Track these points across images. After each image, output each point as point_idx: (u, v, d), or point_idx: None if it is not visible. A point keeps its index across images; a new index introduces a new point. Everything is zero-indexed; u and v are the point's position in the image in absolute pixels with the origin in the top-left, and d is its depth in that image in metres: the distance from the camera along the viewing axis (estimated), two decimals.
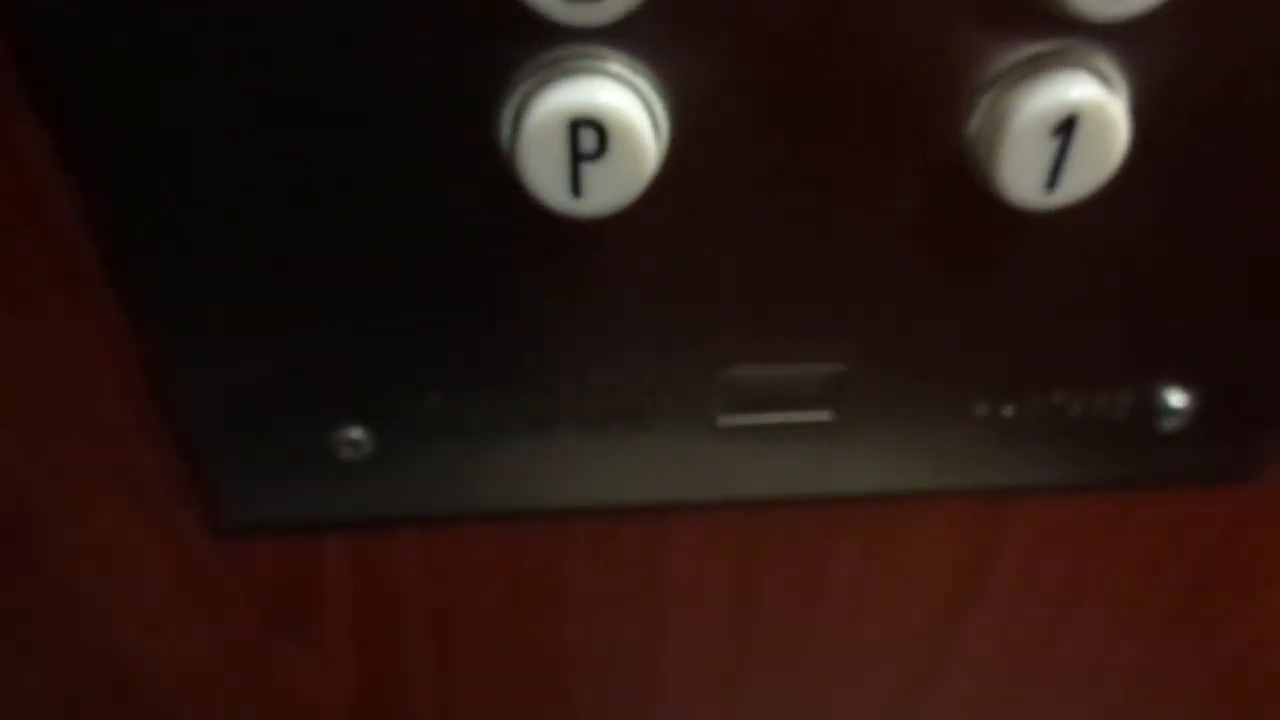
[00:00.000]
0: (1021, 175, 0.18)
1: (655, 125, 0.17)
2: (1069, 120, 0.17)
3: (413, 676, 0.31)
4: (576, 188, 0.17)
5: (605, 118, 0.17)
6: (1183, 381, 0.23)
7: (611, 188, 0.18)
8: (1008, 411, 0.23)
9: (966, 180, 0.19)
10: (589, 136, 0.17)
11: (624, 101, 0.17)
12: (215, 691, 0.31)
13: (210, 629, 0.29)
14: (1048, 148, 0.18)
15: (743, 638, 0.30)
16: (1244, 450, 0.25)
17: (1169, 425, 0.24)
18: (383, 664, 0.30)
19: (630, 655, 0.30)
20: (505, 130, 0.18)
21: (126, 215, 0.19)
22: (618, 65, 0.17)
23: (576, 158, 0.17)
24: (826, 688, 0.32)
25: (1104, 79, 0.18)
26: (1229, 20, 0.17)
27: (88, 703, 0.31)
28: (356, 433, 0.23)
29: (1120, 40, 0.17)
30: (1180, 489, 0.26)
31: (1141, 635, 0.31)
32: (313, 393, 0.22)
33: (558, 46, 0.17)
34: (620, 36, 0.17)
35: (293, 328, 0.21)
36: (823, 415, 0.23)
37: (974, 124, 0.18)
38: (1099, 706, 0.33)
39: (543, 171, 0.17)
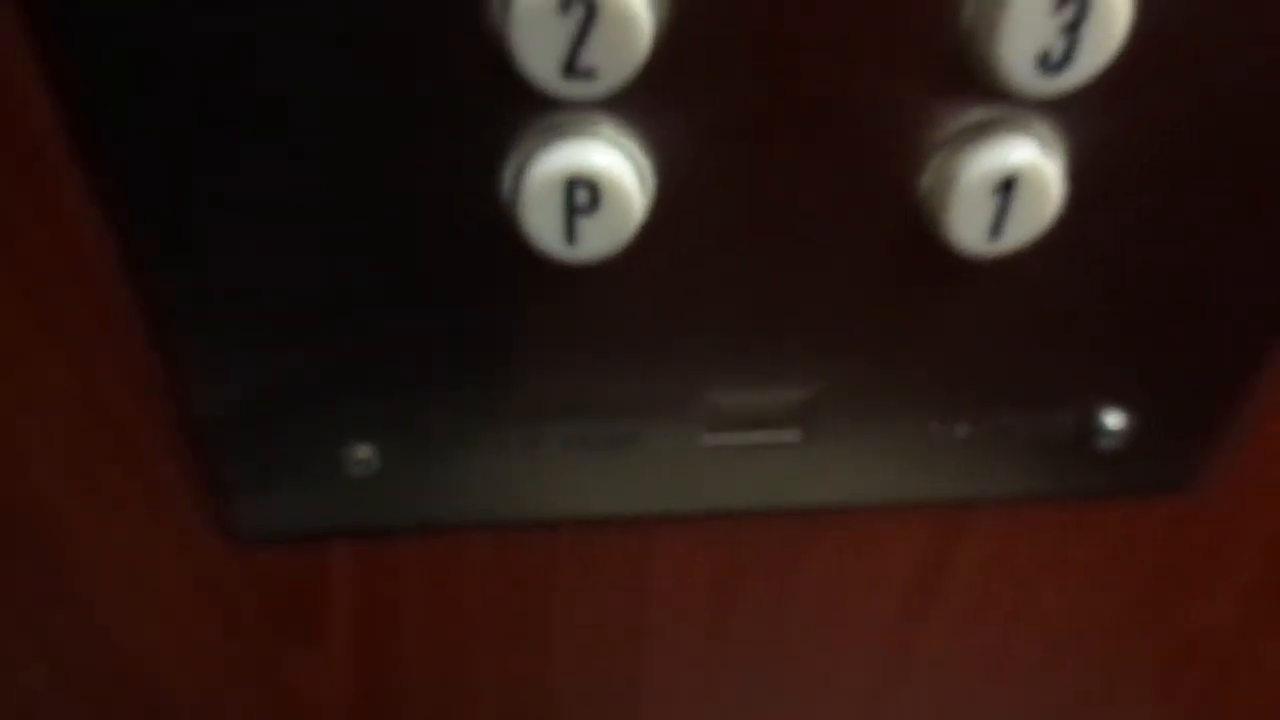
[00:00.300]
0: (968, 227, 0.20)
1: (642, 182, 0.19)
2: (1009, 180, 0.20)
3: (411, 676, 0.33)
4: (571, 237, 0.20)
5: (598, 177, 0.19)
6: (1119, 404, 0.26)
7: (602, 237, 0.20)
8: (961, 432, 0.25)
9: (921, 230, 0.21)
10: (583, 193, 0.19)
11: (614, 162, 0.19)
12: (220, 689, 0.33)
13: (218, 629, 0.31)
14: (991, 204, 0.20)
15: (721, 636, 0.32)
16: (1178, 465, 0.27)
17: (1108, 444, 0.26)
18: (382, 664, 0.32)
19: (616, 653, 0.32)
20: (507, 185, 0.20)
21: (146, 236, 0.21)
22: (610, 129, 0.19)
23: (572, 211, 0.19)
24: (800, 685, 0.34)
25: (1042, 143, 0.20)
26: (1152, 94, 0.20)
27: (95, 701, 0.32)
28: (365, 450, 0.25)
29: (1057, 110, 0.20)
30: (1122, 500, 0.29)
31: (1092, 635, 0.33)
32: (326, 412, 0.24)
33: (555, 114, 0.19)
34: (612, 106, 0.19)
35: (306, 351, 0.23)
36: (793, 436, 0.25)
37: (926, 181, 0.20)
38: (1053, 703, 0.36)
39: (541, 224, 0.19)
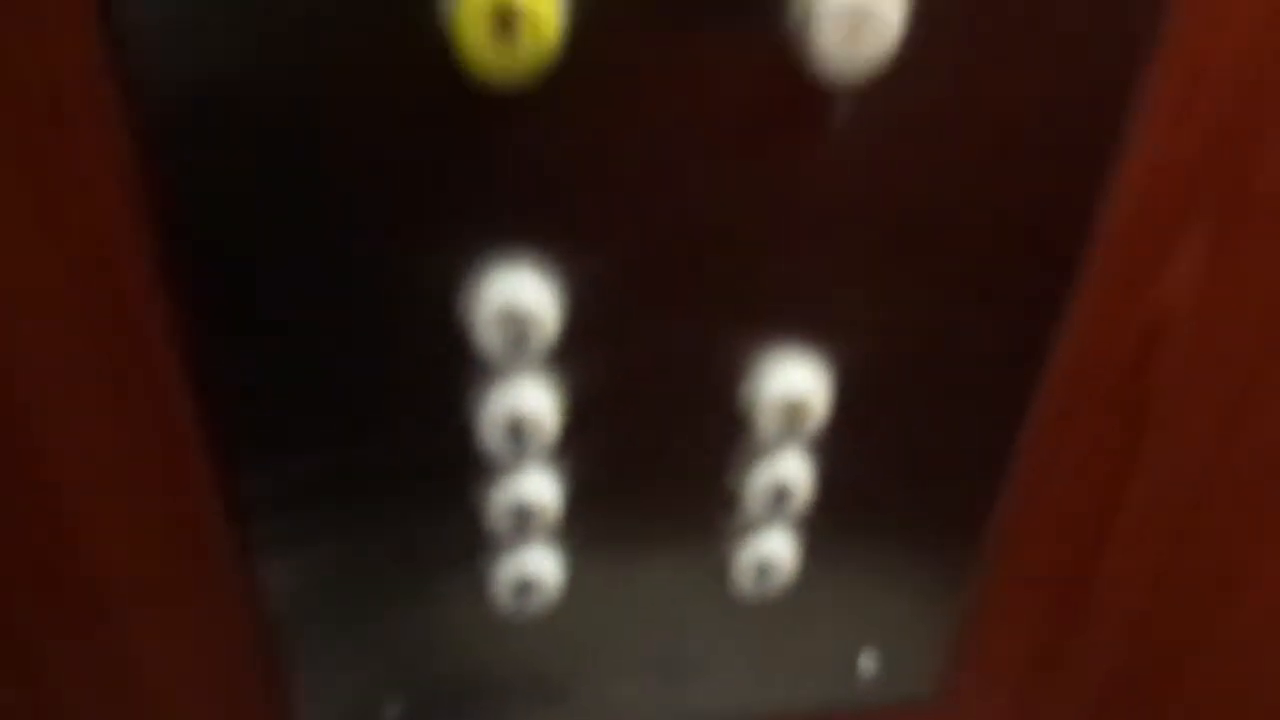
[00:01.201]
0: (746, 581, 0.36)
1: (563, 571, 0.35)
2: (763, 568, 0.35)
3: None
4: (518, 610, 0.35)
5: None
6: (871, 650, 0.41)
7: (538, 605, 0.35)
8: (775, 677, 0.40)
9: (722, 578, 0.36)
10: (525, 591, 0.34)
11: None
12: None
13: None
14: (754, 573, 0.35)
15: None
16: (923, 683, 0.42)
17: (867, 680, 0.41)
18: None
19: None
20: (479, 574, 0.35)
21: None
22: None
23: (518, 600, 0.34)
24: None
25: (786, 535, 0.35)
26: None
27: None
28: (396, 708, 0.39)
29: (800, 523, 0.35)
30: (887, 714, 0.44)
31: None
32: (370, 677, 0.39)
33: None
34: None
35: (361, 635, 0.37)
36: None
37: (726, 551, 0.36)
38: None
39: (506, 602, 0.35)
